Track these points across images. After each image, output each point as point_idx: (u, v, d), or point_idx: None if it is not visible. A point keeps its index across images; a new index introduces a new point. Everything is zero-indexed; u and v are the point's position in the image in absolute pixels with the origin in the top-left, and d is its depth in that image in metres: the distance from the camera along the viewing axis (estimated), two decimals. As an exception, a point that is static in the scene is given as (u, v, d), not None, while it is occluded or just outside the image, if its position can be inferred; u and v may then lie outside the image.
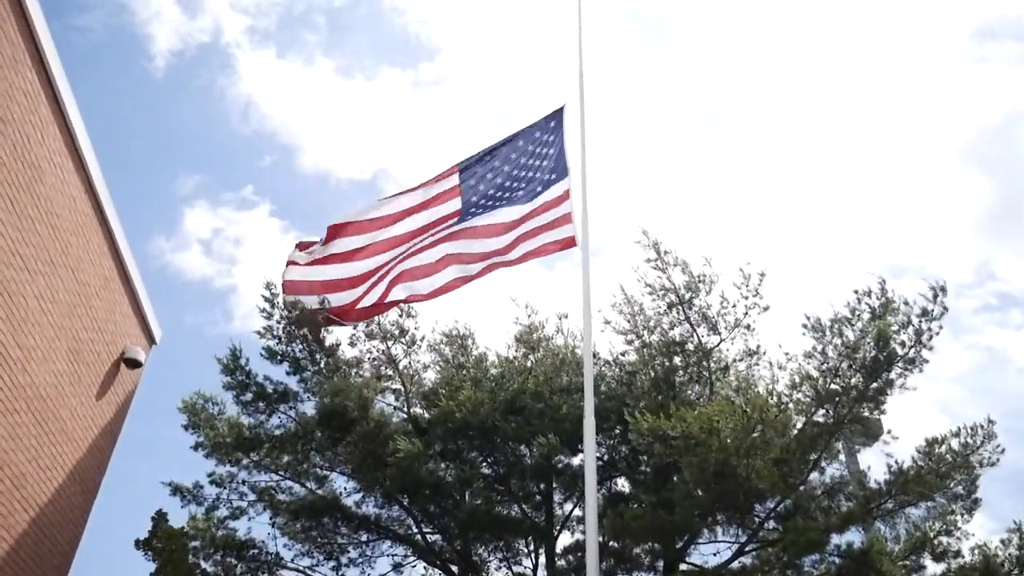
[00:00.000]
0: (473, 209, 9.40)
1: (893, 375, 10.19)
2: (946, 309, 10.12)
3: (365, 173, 64.92)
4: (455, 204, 9.51)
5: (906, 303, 10.25)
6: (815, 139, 63.74)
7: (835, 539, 11.02)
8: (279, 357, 12.81)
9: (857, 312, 10.34)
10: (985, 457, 10.30)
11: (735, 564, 11.50)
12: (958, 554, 10.74)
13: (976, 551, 10.56)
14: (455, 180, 9.63)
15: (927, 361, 10.23)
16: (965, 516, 10.82)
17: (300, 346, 12.68)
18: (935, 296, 10.17)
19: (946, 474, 10.27)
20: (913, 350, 10.08)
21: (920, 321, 10.15)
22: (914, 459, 10.59)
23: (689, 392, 12.21)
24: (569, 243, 8.86)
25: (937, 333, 10.11)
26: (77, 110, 9.09)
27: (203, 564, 12.80)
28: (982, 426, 10.36)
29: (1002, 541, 10.63)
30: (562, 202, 9.04)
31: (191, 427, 12.80)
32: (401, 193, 9.65)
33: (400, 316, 13.17)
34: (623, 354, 13.36)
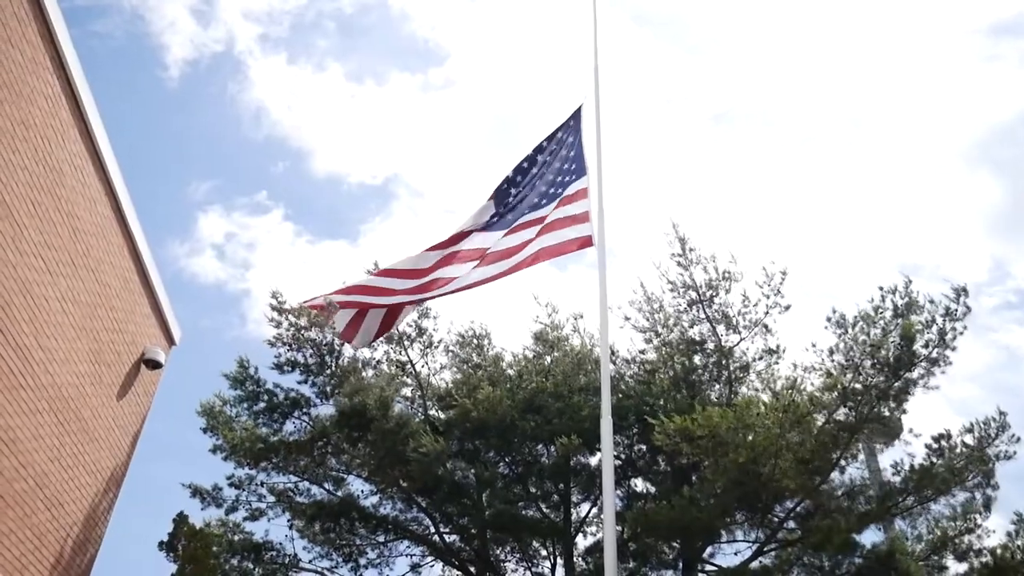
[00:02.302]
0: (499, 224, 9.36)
1: (915, 374, 10.14)
2: (969, 309, 10.14)
3: (377, 178, 65.24)
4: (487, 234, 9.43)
5: (932, 301, 10.25)
6: (826, 138, 63.42)
7: (856, 538, 10.97)
8: (290, 366, 12.85)
9: (880, 310, 10.28)
10: (1001, 450, 10.23)
11: (754, 564, 11.45)
12: (980, 552, 10.65)
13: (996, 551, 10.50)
14: (492, 209, 9.60)
15: (951, 362, 10.23)
16: (984, 512, 10.75)
17: (310, 352, 12.70)
18: (958, 296, 10.13)
19: (961, 469, 10.20)
20: (936, 350, 10.03)
21: (944, 321, 10.11)
22: (926, 456, 10.56)
23: (709, 391, 12.16)
24: (586, 242, 8.80)
25: (961, 333, 10.09)
26: (97, 113, 9.15)
27: (223, 567, 12.87)
28: (994, 418, 10.31)
29: (1008, 534, 10.62)
30: (579, 200, 9.00)
31: (209, 430, 12.86)
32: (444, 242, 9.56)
33: (419, 317, 13.20)
34: (642, 352, 13.34)
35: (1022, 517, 10.51)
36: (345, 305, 9.58)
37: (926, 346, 10.10)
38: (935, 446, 10.54)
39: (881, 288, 10.41)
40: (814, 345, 10.75)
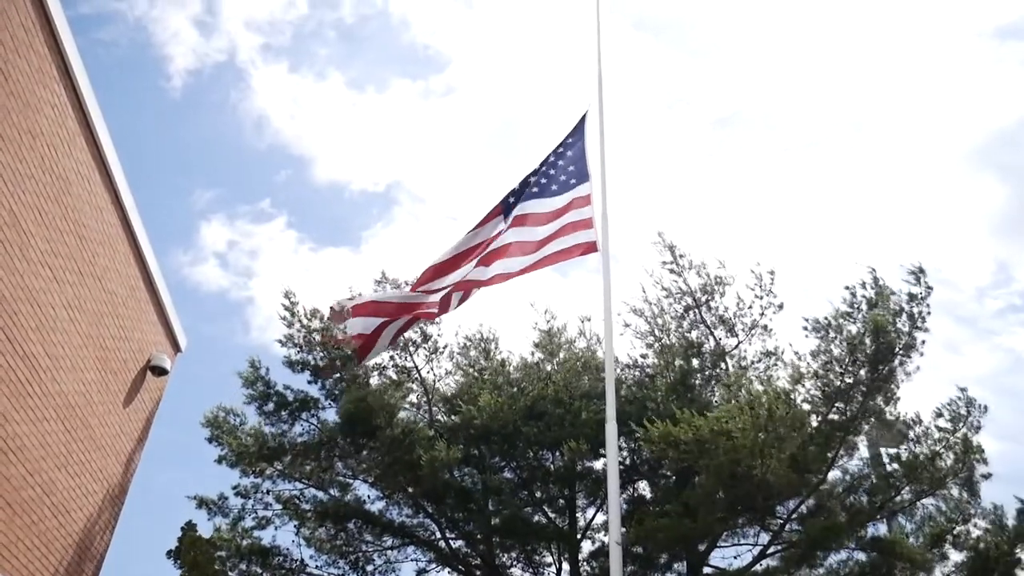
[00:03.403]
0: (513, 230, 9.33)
1: (895, 362, 10.18)
2: (931, 288, 10.19)
3: (379, 185, 65.43)
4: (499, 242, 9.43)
5: (892, 292, 10.32)
6: (829, 142, 63.43)
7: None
8: (300, 366, 12.88)
9: (855, 305, 10.34)
10: (971, 424, 10.24)
11: (758, 567, 11.44)
12: (978, 540, 10.70)
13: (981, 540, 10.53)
14: (502, 224, 9.58)
15: (924, 342, 10.28)
16: (975, 499, 10.77)
17: (320, 355, 12.74)
18: (918, 278, 10.22)
19: (944, 455, 10.22)
20: (908, 336, 10.07)
21: (911, 306, 10.17)
22: (908, 445, 10.65)
23: (707, 395, 12.19)
24: (590, 248, 8.85)
25: (929, 313, 10.16)
26: (103, 122, 9.24)
27: (230, 574, 12.87)
28: (959, 397, 10.37)
29: (992, 522, 10.63)
30: (583, 206, 9.05)
31: (214, 440, 12.85)
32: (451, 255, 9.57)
33: (423, 322, 13.22)
34: (643, 356, 13.38)
35: (998, 510, 10.59)
36: (359, 313, 9.61)
37: (899, 334, 10.13)
38: (910, 433, 10.60)
39: (848, 287, 10.49)
40: (796, 353, 10.90)
